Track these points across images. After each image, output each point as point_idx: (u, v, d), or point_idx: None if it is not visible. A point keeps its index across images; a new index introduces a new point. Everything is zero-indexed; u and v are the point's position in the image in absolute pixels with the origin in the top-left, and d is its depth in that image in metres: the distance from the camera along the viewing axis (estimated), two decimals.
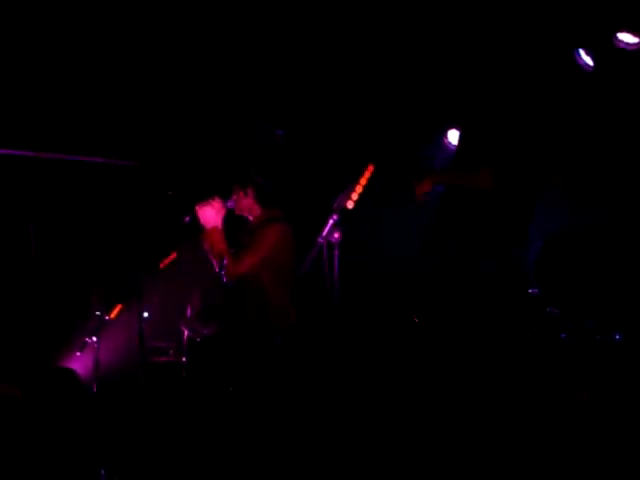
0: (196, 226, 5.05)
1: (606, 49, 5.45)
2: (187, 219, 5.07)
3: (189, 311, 6.16)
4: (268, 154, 6.44)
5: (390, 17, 5.78)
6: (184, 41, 5.99)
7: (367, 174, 4.81)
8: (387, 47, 6.00)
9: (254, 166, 5.33)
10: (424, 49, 6.01)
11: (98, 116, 6.33)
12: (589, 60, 5.59)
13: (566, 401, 5.03)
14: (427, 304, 5.95)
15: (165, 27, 5.88)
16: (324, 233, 4.68)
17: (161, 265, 5.94)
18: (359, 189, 4.76)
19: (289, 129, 6.66)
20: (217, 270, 5.03)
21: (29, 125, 6.00)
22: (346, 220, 4.72)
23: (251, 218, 5.25)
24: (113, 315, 5.95)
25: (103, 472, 5.21)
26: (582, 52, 5.59)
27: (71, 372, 5.98)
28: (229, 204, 5.13)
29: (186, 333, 6.06)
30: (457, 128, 6.21)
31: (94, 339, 5.77)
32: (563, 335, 5.26)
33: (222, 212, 5.04)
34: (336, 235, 4.68)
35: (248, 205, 5.22)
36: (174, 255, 5.94)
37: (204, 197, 5.07)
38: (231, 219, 5.20)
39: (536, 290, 5.47)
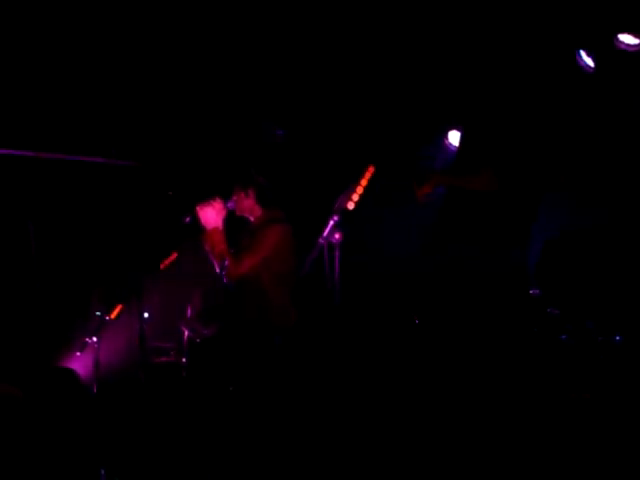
0: (197, 227, 5.05)
1: (607, 50, 5.45)
2: (188, 219, 5.07)
3: (189, 311, 6.16)
4: (269, 155, 6.44)
5: (391, 18, 5.78)
6: (185, 41, 5.98)
7: (368, 175, 4.82)
8: (388, 48, 5.99)
9: (255, 167, 5.33)
10: (425, 50, 6.01)
11: (98, 116, 6.32)
12: (590, 61, 5.59)
13: (567, 402, 5.03)
14: (428, 305, 5.95)
15: (166, 27, 5.88)
16: (325, 234, 4.68)
17: (161, 265, 5.94)
18: (360, 190, 4.76)
19: (290, 130, 6.65)
20: (218, 271, 5.02)
21: (29, 125, 6.00)
22: (347, 221, 4.72)
23: (252, 219, 5.25)
24: (113, 315, 5.94)
25: (103, 472, 5.20)
26: (583, 53, 5.59)
27: (71, 372, 5.98)
28: (230, 205, 5.13)
29: (186, 333, 6.06)
30: (458, 129, 6.21)
31: (94, 339, 5.76)
32: (564, 336, 5.26)
33: (223, 213, 5.04)
34: (337, 236, 4.68)
35: (249, 206, 5.22)
36: (174, 255, 5.94)
37: (205, 198, 5.06)
38: (232, 220, 5.20)
39: (537, 291, 5.47)
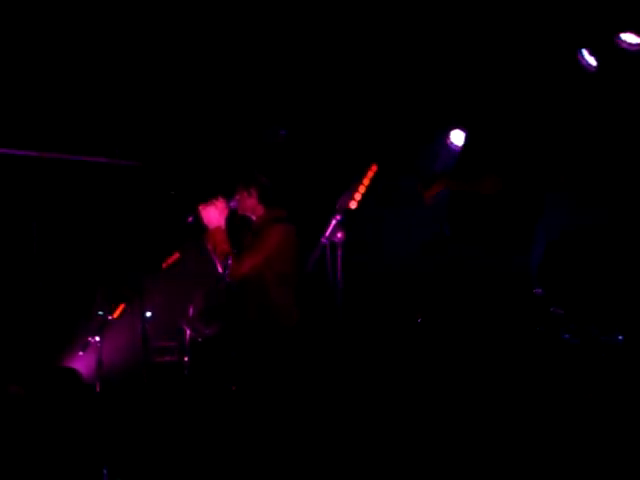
0: (199, 226, 5.05)
1: (609, 50, 5.45)
2: (190, 219, 5.07)
3: (191, 311, 6.17)
4: (271, 154, 6.44)
5: (394, 18, 5.78)
6: (187, 42, 5.98)
7: (370, 174, 4.81)
8: (391, 48, 5.99)
9: (257, 166, 5.33)
10: (427, 50, 6.01)
11: (101, 116, 6.33)
12: (592, 61, 5.59)
13: (570, 402, 5.03)
14: (431, 304, 5.95)
15: (168, 28, 5.88)
16: (327, 233, 4.67)
17: (164, 265, 5.94)
18: (362, 189, 4.75)
19: (292, 129, 6.65)
20: (220, 270, 5.02)
21: (33, 125, 6.00)
22: (349, 220, 4.71)
23: (254, 218, 5.25)
24: (116, 315, 5.95)
25: (106, 471, 5.21)
26: (585, 53, 5.59)
27: (74, 372, 5.98)
28: (232, 204, 5.13)
29: (188, 333, 6.07)
30: (460, 128, 6.21)
31: (97, 339, 5.76)
32: (566, 335, 5.26)
33: (225, 212, 5.04)
34: (339, 235, 4.67)
35: (251, 205, 5.22)
36: (177, 255, 5.94)
37: (207, 197, 5.07)
38: (234, 219, 5.20)
39: (540, 290, 5.47)
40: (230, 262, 4.97)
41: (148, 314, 5.92)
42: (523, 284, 5.50)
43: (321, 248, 4.72)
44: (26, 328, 6.21)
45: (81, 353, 5.96)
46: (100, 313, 5.94)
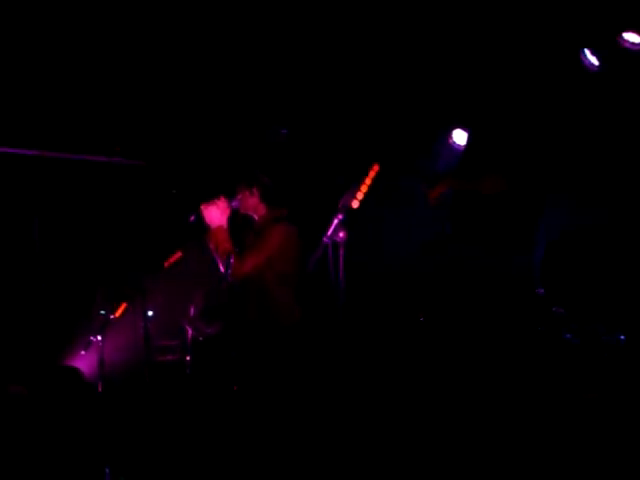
0: (201, 225, 5.05)
1: (611, 49, 5.45)
2: (192, 218, 5.07)
3: (192, 310, 6.17)
4: (273, 153, 6.44)
5: (396, 18, 5.77)
6: (189, 41, 5.98)
7: (372, 173, 4.81)
8: (393, 47, 5.99)
9: (259, 165, 5.33)
10: (429, 50, 6.00)
11: (103, 115, 6.33)
12: (594, 60, 5.58)
13: (572, 401, 5.03)
14: (432, 304, 5.95)
15: (170, 26, 5.88)
16: (329, 232, 4.67)
17: (166, 264, 5.94)
18: (364, 188, 4.75)
19: (294, 128, 6.65)
20: (222, 270, 5.02)
21: (35, 124, 6.00)
22: (352, 219, 4.71)
23: (256, 217, 5.25)
24: (118, 314, 5.94)
25: (108, 471, 5.21)
26: (587, 52, 5.59)
27: (76, 371, 5.99)
28: (234, 203, 5.13)
29: (190, 332, 6.07)
30: (462, 128, 6.21)
31: (99, 338, 5.76)
32: (568, 335, 5.26)
33: (227, 211, 5.04)
34: (341, 234, 4.66)
35: (253, 204, 5.22)
36: (179, 254, 5.94)
37: (209, 196, 5.07)
38: (236, 218, 5.20)
39: (542, 290, 5.47)
40: (232, 261, 4.97)
41: (150, 313, 5.92)
42: (524, 284, 5.50)
43: (323, 247, 4.71)
44: (28, 327, 6.22)
45: (83, 352, 5.95)
46: (102, 312, 5.94)
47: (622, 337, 5.16)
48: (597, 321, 5.26)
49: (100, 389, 5.70)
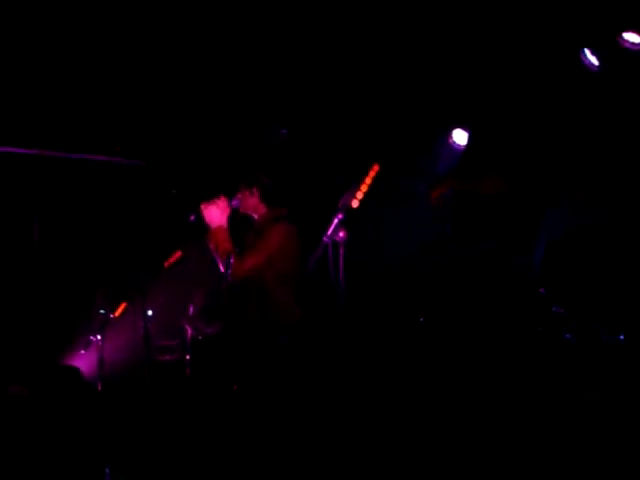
0: (201, 225, 5.05)
1: (611, 49, 5.45)
2: (192, 218, 5.07)
3: (192, 310, 6.17)
4: (273, 153, 6.44)
5: (397, 17, 5.78)
6: (189, 40, 5.98)
7: (372, 173, 4.81)
8: (393, 47, 5.99)
9: (259, 165, 5.33)
10: (429, 50, 6.00)
11: (104, 115, 6.32)
12: (594, 60, 5.58)
13: (572, 401, 5.03)
14: (432, 304, 5.95)
15: (170, 26, 5.88)
16: (329, 232, 4.67)
17: (166, 264, 5.94)
18: (364, 188, 4.75)
19: (294, 128, 6.65)
20: (222, 269, 5.02)
21: (34, 124, 6.00)
22: (351, 219, 4.71)
23: (256, 217, 5.25)
24: (117, 313, 5.95)
25: (108, 471, 5.21)
26: (587, 52, 5.59)
27: (76, 370, 5.98)
28: (234, 203, 5.13)
29: (190, 332, 6.07)
30: (462, 127, 6.21)
31: (99, 337, 5.77)
32: (568, 335, 5.26)
33: (227, 211, 5.04)
34: (341, 234, 4.67)
35: (253, 204, 5.23)
36: (179, 254, 5.94)
37: (209, 196, 5.07)
38: (236, 218, 5.20)
39: (542, 290, 5.48)
40: (232, 261, 4.97)
41: (150, 313, 5.92)
42: (524, 284, 5.50)
43: (323, 247, 4.71)
44: (28, 326, 6.21)
45: (83, 352, 5.96)
46: (102, 312, 5.94)
47: (621, 337, 5.16)
48: (597, 321, 5.27)
49: (100, 388, 5.70)
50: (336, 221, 4.67)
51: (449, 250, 6.09)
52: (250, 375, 5.01)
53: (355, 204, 4.71)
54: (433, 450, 5.14)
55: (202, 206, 5.02)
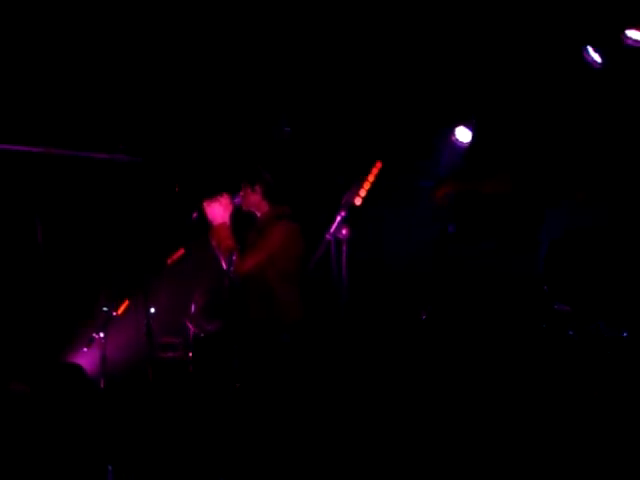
0: (204, 222, 5.05)
1: (614, 46, 5.44)
2: (195, 215, 5.08)
3: (194, 307, 6.17)
4: (276, 150, 6.44)
5: (399, 15, 5.78)
6: (192, 37, 5.99)
7: (375, 171, 4.80)
8: (396, 45, 5.99)
9: (262, 162, 5.33)
10: (432, 48, 6.00)
11: (105, 112, 6.33)
12: (597, 57, 5.58)
13: (577, 399, 5.02)
14: (435, 301, 5.95)
15: (172, 23, 5.88)
16: (332, 229, 4.67)
17: (168, 261, 5.95)
18: (367, 185, 4.75)
19: (297, 125, 6.65)
20: (225, 267, 5.02)
21: (36, 121, 6.01)
22: (354, 217, 4.71)
23: (259, 215, 5.26)
24: (120, 311, 5.94)
25: (110, 468, 5.21)
26: (590, 49, 5.58)
27: (78, 368, 5.98)
28: (237, 200, 5.13)
29: (192, 329, 6.07)
30: (465, 125, 6.20)
31: (101, 335, 5.76)
32: (571, 332, 5.26)
33: (230, 208, 5.05)
34: (344, 231, 4.66)
35: (256, 201, 5.23)
36: (181, 251, 5.94)
37: (212, 193, 5.07)
38: (239, 216, 5.20)
39: (545, 287, 5.47)
40: (234, 259, 4.97)
41: (152, 310, 5.92)
42: (528, 281, 5.50)
43: (326, 244, 4.71)
44: (31, 324, 6.22)
45: (85, 349, 5.95)
46: (104, 309, 5.94)
47: (625, 334, 5.16)
48: (600, 318, 5.26)
49: (102, 386, 5.70)
50: (339, 219, 4.67)
51: (453, 249, 6.09)
52: (252, 373, 5.01)
53: (358, 201, 4.71)
54: (437, 447, 5.14)
55: (205, 203, 5.03)
